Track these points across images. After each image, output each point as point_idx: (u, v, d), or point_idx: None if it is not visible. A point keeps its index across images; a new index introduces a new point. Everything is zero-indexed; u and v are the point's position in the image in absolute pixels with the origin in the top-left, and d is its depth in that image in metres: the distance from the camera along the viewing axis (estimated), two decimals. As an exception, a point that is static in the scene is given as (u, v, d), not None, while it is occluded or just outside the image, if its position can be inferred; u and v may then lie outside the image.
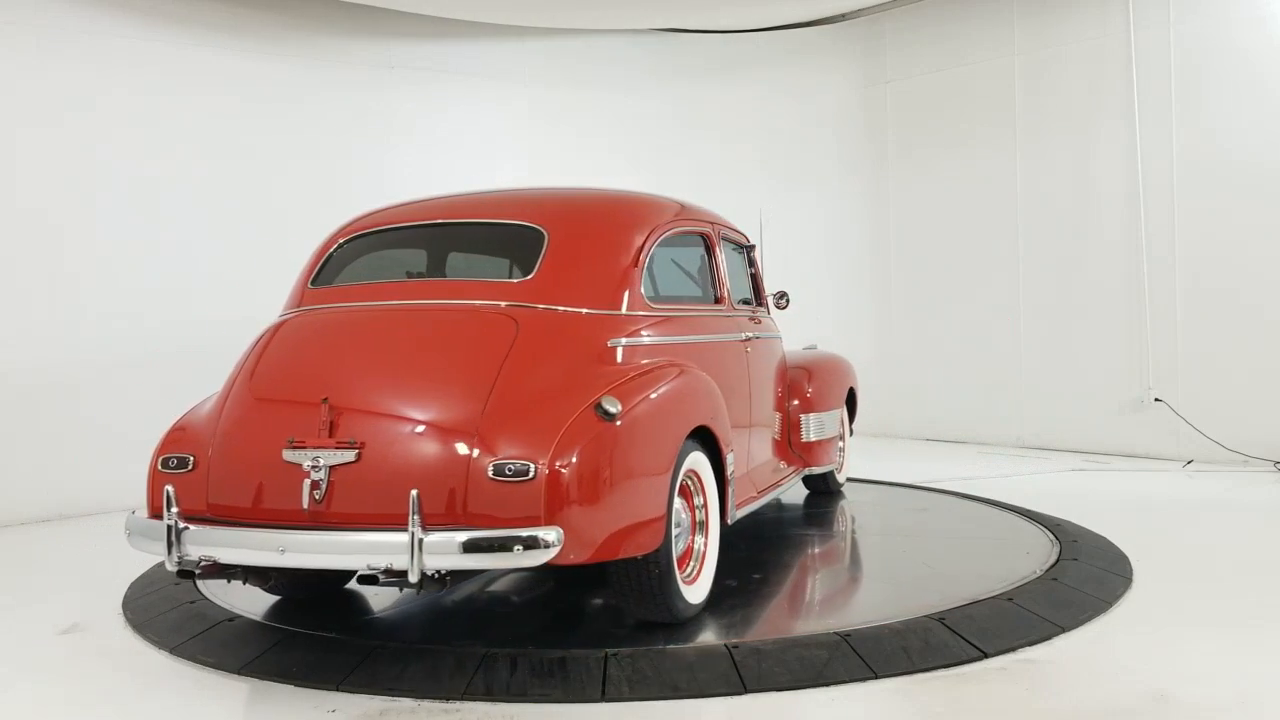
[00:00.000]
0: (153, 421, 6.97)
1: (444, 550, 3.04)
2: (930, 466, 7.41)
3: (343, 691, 3.26)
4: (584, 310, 3.71)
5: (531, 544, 3.06)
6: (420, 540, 3.02)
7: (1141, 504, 5.99)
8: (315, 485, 3.21)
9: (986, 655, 3.37)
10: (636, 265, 3.95)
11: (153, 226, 7.06)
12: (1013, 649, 3.43)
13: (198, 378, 7.16)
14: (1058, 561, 4.35)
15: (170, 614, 4.10)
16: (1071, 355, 8.05)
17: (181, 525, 3.26)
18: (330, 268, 4.19)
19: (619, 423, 3.32)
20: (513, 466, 3.15)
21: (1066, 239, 8.07)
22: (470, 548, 3.05)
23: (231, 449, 3.43)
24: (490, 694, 3.18)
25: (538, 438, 3.22)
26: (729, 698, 3.12)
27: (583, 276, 3.82)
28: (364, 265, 4.20)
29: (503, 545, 3.05)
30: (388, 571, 3.09)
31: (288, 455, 3.27)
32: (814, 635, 3.49)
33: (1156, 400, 7.50)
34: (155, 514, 3.38)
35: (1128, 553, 4.60)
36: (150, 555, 3.48)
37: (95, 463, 6.81)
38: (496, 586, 4.38)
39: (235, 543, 3.26)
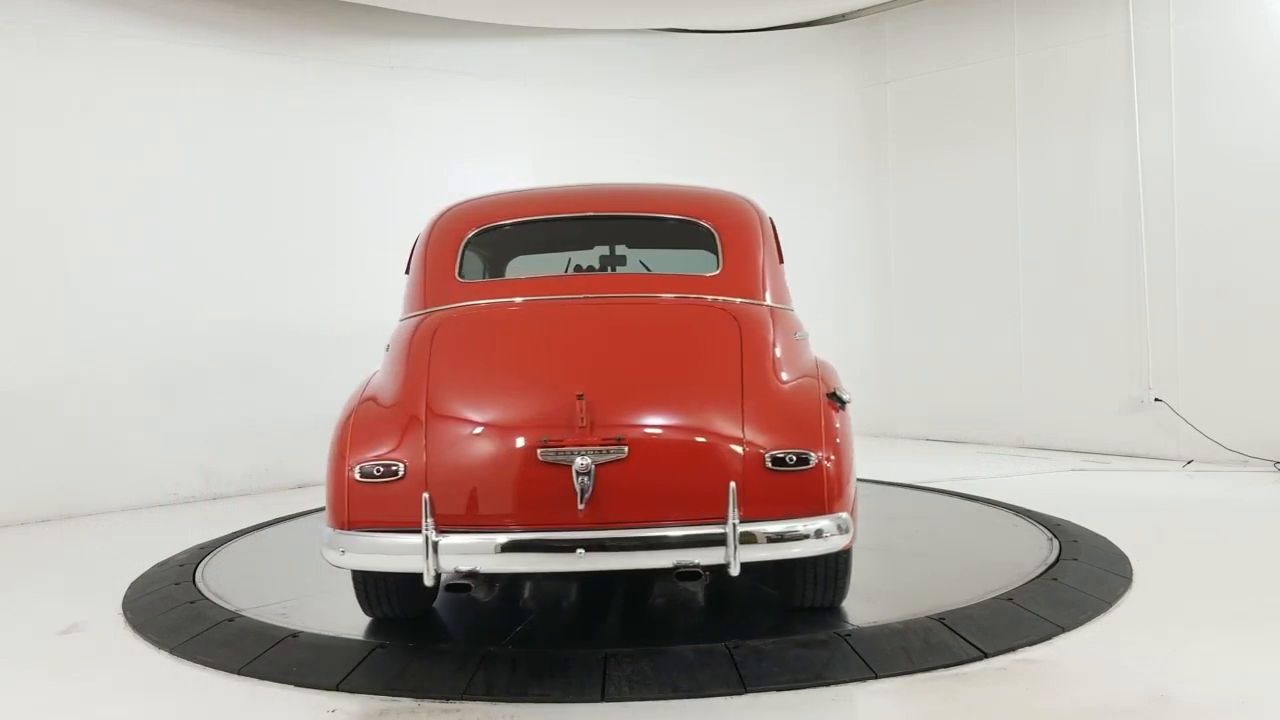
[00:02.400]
0: (153, 421, 7.03)
1: (757, 542, 3.07)
2: (930, 466, 7.40)
3: (343, 691, 3.26)
4: (766, 304, 3.79)
5: (832, 531, 3.15)
6: (740, 533, 3.01)
7: (1141, 504, 5.98)
8: (584, 486, 3.06)
9: (986, 655, 3.37)
10: (782, 260, 4.07)
11: (152, 226, 7.06)
12: (1013, 649, 3.43)
13: (198, 378, 7.20)
14: (1058, 561, 4.35)
15: (170, 614, 4.10)
16: (1071, 355, 8.04)
17: (436, 537, 3.05)
18: (470, 262, 3.98)
19: (848, 409, 3.41)
20: (794, 456, 3.15)
21: (1066, 239, 8.07)
22: (777, 539, 3.08)
23: (469, 454, 3.19)
24: (490, 694, 3.17)
25: (805, 428, 3.25)
26: (729, 698, 3.12)
27: (756, 271, 3.87)
28: (510, 259, 4.12)
29: (810, 535, 3.12)
30: (680, 568, 3.06)
31: (545, 456, 3.09)
32: (814, 635, 3.49)
33: (1156, 400, 7.50)
34: (355, 525, 3.15)
35: (1128, 553, 4.60)
36: (360, 568, 3.26)
37: (95, 463, 6.81)
38: (498, 585, 4.38)
39: (520, 550, 3.06)
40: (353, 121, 7.88)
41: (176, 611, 4.12)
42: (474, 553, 3.08)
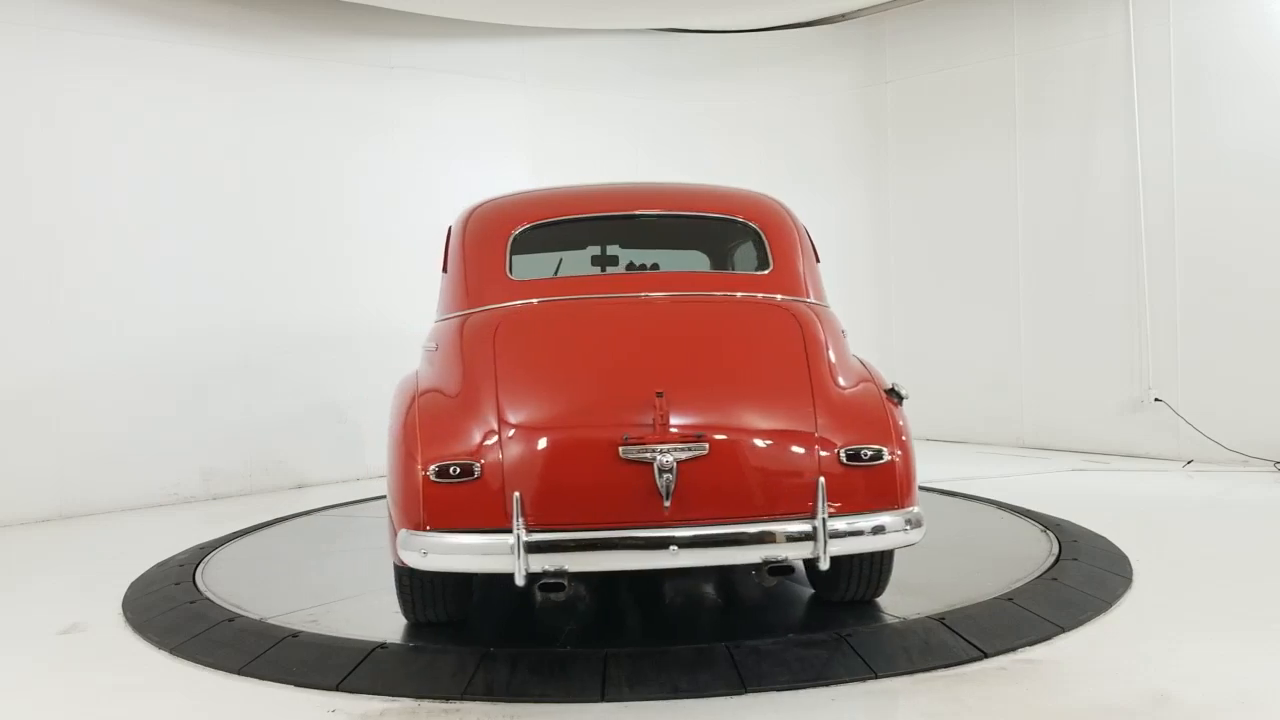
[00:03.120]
0: (153, 422, 7.03)
1: (844, 535, 3.14)
2: (930, 466, 7.38)
3: (343, 691, 3.26)
4: (812, 301, 3.84)
5: (915, 524, 3.23)
6: (830, 528, 3.07)
7: (1141, 504, 5.98)
8: (667, 483, 3.06)
9: (986, 655, 3.37)
10: (818, 259, 4.12)
11: (151, 227, 7.06)
12: (1013, 649, 3.43)
13: (198, 378, 7.20)
14: (1058, 561, 4.35)
15: (170, 614, 4.10)
16: (1071, 355, 8.04)
17: (529, 536, 3.01)
18: (518, 260, 3.93)
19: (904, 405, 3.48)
20: (868, 451, 3.21)
21: (1066, 239, 8.07)
22: (865, 532, 3.17)
23: (548, 453, 3.16)
24: (490, 694, 3.17)
25: (876, 424, 3.33)
26: (729, 698, 3.12)
27: (800, 270, 3.93)
28: (561, 255, 4.12)
29: (894, 529, 3.20)
30: (771, 563, 3.10)
31: (627, 454, 3.08)
32: (814, 635, 3.49)
33: (1156, 400, 7.50)
34: (430, 527, 3.09)
35: (1128, 553, 4.60)
36: (447, 569, 3.17)
37: (95, 463, 6.81)
38: (496, 586, 4.38)
39: (615, 547, 3.05)
40: (352, 121, 7.88)
41: (176, 611, 4.12)
42: (568, 551, 3.05)
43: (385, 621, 3.93)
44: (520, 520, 2.99)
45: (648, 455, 3.07)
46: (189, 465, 7.18)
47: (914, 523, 3.26)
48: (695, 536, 3.06)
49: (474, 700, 3.15)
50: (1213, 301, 7.26)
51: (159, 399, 7.08)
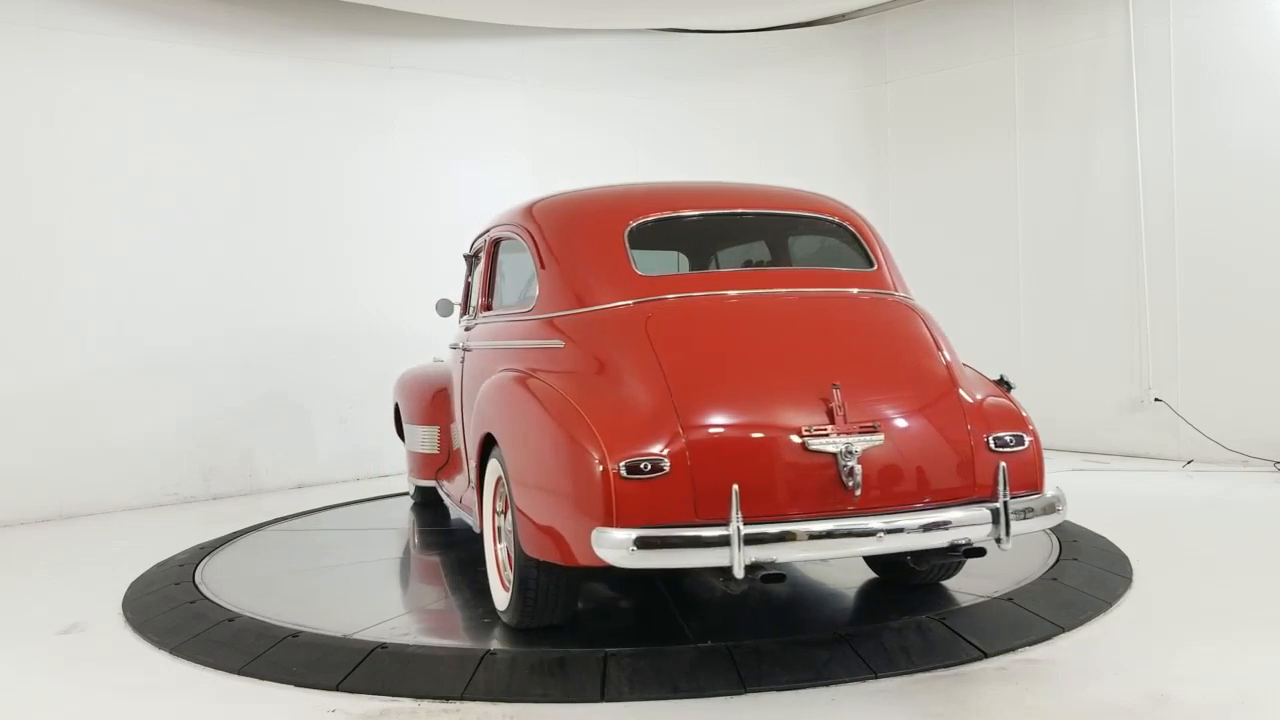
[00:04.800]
0: (153, 422, 7.02)
1: (1018, 517, 3.25)
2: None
3: (343, 691, 3.26)
4: (911, 298, 3.95)
5: (1063, 503, 3.40)
6: (1011, 510, 3.19)
7: (1141, 504, 5.98)
8: (850, 472, 3.12)
9: (986, 655, 3.37)
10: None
11: (151, 227, 7.06)
12: (1013, 649, 3.43)
13: (199, 378, 7.20)
14: (1058, 561, 4.35)
15: (170, 614, 4.10)
16: (1071, 355, 8.04)
17: (748, 530, 2.98)
18: (637, 255, 3.89)
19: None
20: (1012, 437, 3.35)
21: (1066, 239, 8.07)
22: (1037, 513, 3.31)
23: (734, 446, 3.17)
24: (490, 694, 3.18)
25: (1011, 411, 3.47)
26: (729, 698, 3.12)
27: (896, 267, 4.07)
28: (675, 252, 4.13)
29: (1055, 509, 3.37)
30: (962, 546, 3.21)
31: (814, 444, 3.15)
32: (814, 635, 3.49)
33: (1156, 400, 7.50)
34: (622, 523, 3.04)
35: (1128, 553, 4.60)
36: (640, 565, 3.06)
37: (95, 463, 6.81)
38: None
39: (830, 537, 3.08)
40: (352, 121, 7.88)
41: (176, 611, 4.12)
42: (781, 543, 3.05)
43: (386, 621, 3.94)
44: (739, 513, 2.97)
45: (834, 446, 3.14)
46: (189, 465, 7.18)
47: (1062, 502, 3.41)
48: (896, 524, 3.13)
49: (474, 700, 3.15)
50: (1213, 301, 7.26)
51: (159, 399, 7.08)
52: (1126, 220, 7.68)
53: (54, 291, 6.71)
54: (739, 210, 4.12)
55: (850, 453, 3.14)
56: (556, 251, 3.96)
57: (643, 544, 2.99)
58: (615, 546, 3.01)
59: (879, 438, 3.20)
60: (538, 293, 3.98)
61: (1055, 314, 8.16)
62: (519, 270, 4.48)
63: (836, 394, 3.20)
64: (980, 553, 3.28)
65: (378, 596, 4.48)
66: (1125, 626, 3.69)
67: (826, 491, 3.14)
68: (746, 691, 3.14)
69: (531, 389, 3.57)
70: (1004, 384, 3.66)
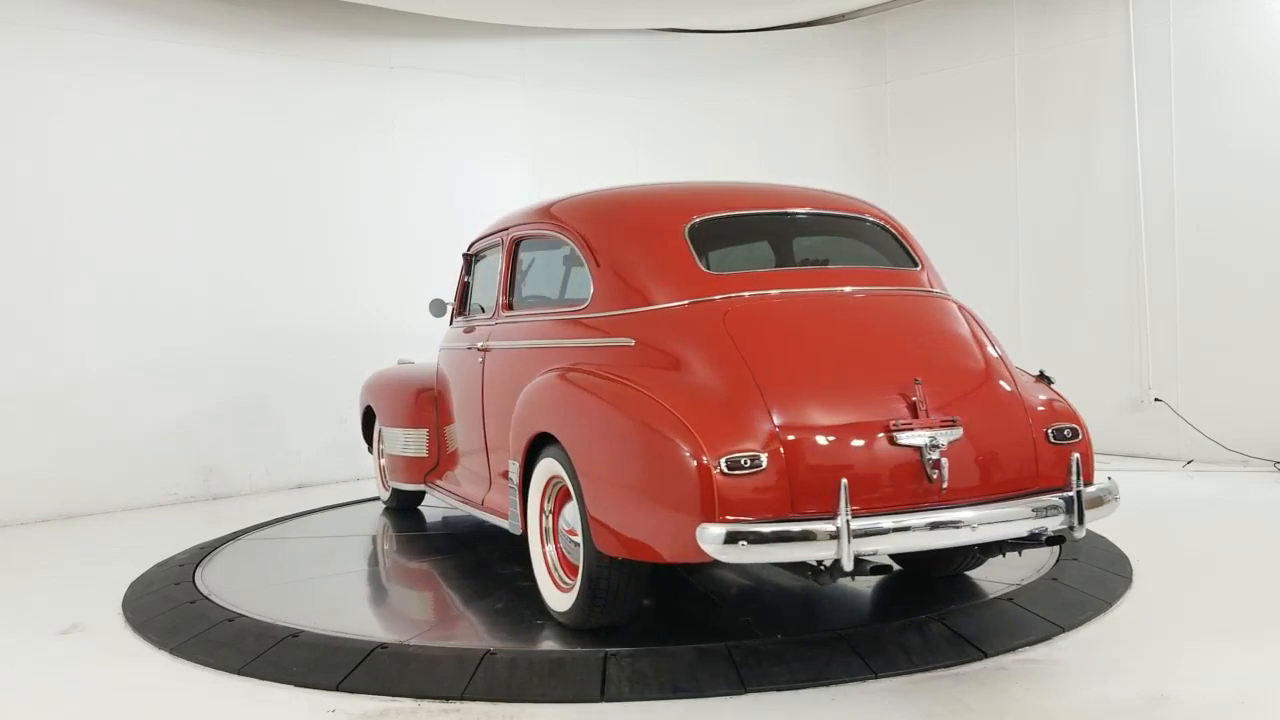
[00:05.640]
0: (153, 422, 7.02)
1: (1092, 506, 3.38)
2: (930, 466, 7.39)
3: (343, 691, 3.26)
4: (951, 295, 4.00)
5: (1117, 496, 3.55)
6: (1085, 499, 3.33)
7: (1141, 504, 5.97)
8: (936, 464, 3.19)
9: (986, 655, 3.37)
10: None
11: (151, 227, 7.07)
12: (1013, 649, 3.43)
13: (198, 378, 7.20)
14: (1058, 561, 4.35)
15: (170, 614, 4.10)
16: (1071, 355, 8.03)
17: (856, 523, 3.02)
18: (701, 253, 3.87)
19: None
20: (1068, 429, 3.47)
21: (1066, 239, 8.07)
22: (1105, 502, 3.46)
23: (826, 441, 3.21)
24: (490, 694, 3.18)
25: (1062, 404, 3.59)
26: (729, 698, 3.12)
27: (933, 266, 4.13)
28: (733, 250, 4.11)
29: (1115, 499, 3.51)
30: (1043, 535, 3.31)
31: (902, 438, 3.20)
32: (814, 635, 3.49)
33: (1156, 400, 7.50)
34: (723, 519, 3.03)
35: (1128, 553, 4.60)
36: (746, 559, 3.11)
37: (95, 463, 6.81)
38: (499, 586, 4.38)
39: (931, 528, 3.13)
40: (352, 121, 7.88)
41: (176, 611, 4.12)
42: (885, 535, 3.09)
43: (385, 621, 3.94)
44: (847, 506, 3.01)
45: (919, 439, 3.20)
46: (189, 465, 7.18)
47: (1115, 493, 3.55)
48: (988, 515, 3.20)
49: (474, 700, 3.15)
50: (1213, 301, 7.25)
51: (159, 399, 7.08)
52: (1126, 220, 7.67)
53: (54, 291, 6.71)
54: (791, 210, 4.17)
55: (935, 446, 3.20)
56: (614, 250, 3.94)
57: (755, 539, 3.01)
58: (724, 542, 3.01)
59: (959, 431, 3.26)
60: (592, 291, 3.93)
61: (1055, 314, 8.16)
62: (551, 269, 4.47)
63: (918, 388, 3.28)
64: (1061, 540, 3.36)
65: (377, 596, 4.48)
66: (1125, 626, 3.69)
67: (913, 484, 3.20)
68: (746, 691, 3.14)
69: (608, 387, 3.54)
70: (1045, 379, 3.76)
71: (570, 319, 4.07)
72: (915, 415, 3.24)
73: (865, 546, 3.04)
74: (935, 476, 3.19)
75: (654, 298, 3.71)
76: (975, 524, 3.16)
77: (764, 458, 3.11)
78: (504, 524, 4.26)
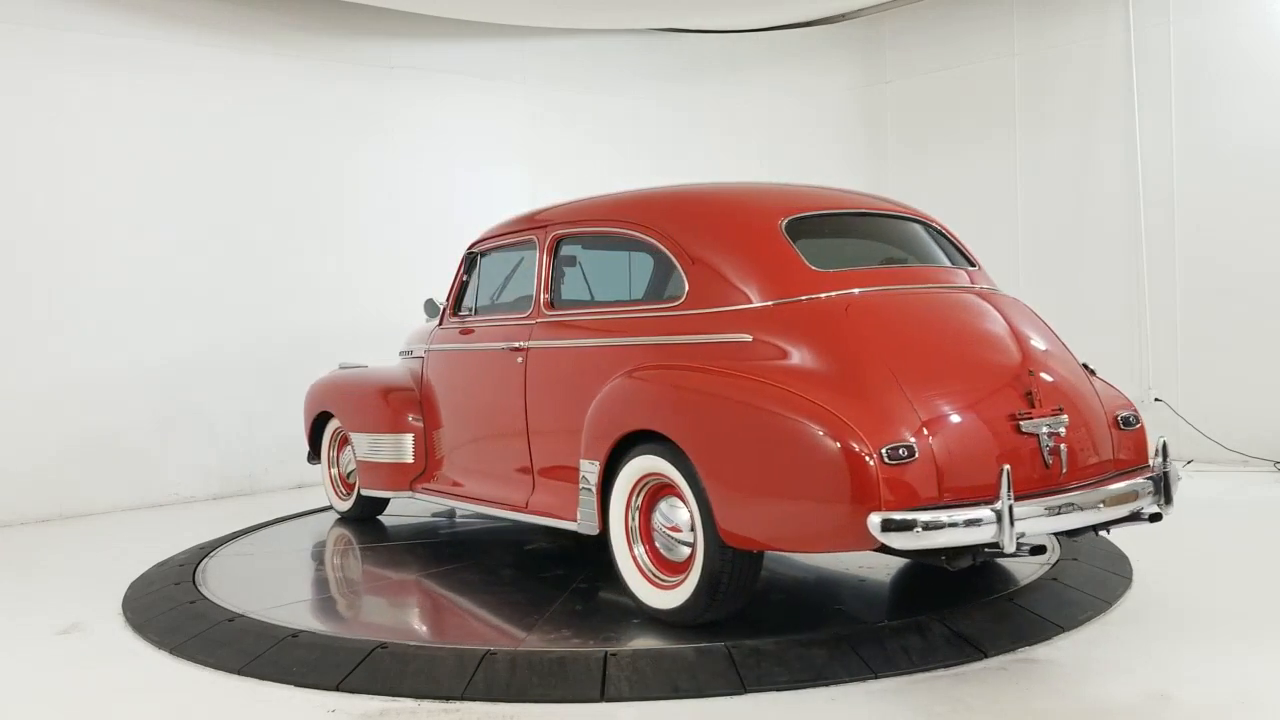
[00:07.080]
0: (153, 422, 7.02)
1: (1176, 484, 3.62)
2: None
3: (343, 691, 3.26)
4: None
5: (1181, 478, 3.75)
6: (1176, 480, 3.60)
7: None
8: (1054, 450, 3.39)
9: (986, 655, 3.37)
10: None
11: (150, 227, 7.07)
12: (1013, 649, 3.43)
13: (198, 378, 7.20)
14: (1058, 561, 4.35)
15: (170, 614, 4.10)
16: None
17: (1017, 508, 3.15)
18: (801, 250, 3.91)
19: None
20: (1132, 417, 3.78)
21: (1066, 239, 8.07)
22: (1178, 481, 3.68)
23: (963, 430, 3.36)
24: (490, 694, 3.18)
25: (1117, 394, 3.90)
26: (729, 698, 3.12)
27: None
28: (821, 247, 4.10)
29: (1177, 479, 3.67)
30: (1143, 514, 3.55)
31: (1027, 427, 3.38)
32: (814, 635, 3.49)
33: (1156, 400, 7.50)
34: (886, 508, 3.12)
35: (1128, 553, 4.60)
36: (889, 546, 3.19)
37: (95, 463, 6.81)
38: (497, 586, 4.38)
39: (1074, 511, 3.34)
40: (352, 121, 7.88)
41: (176, 611, 4.12)
42: (1034, 519, 3.25)
43: (385, 621, 3.94)
44: (1010, 492, 3.13)
45: (1039, 427, 3.39)
46: (189, 465, 7.18)
47: (1179, 475, 3.74)
48: (1107, 495, 3.43)
49: (474, 700, 3.15)
50: (1213, 301, 7.25)
51: (158, 399, 7.08)
52: (1126, 220, 7.67)
53: (54, 291, 6.71)
54: (865, 210, 4.35)
55: (1053, 433, 3.40)
56: (709, 247, 3.92)
57: (928, 527, 3.11)
58: (892, 530, 3.11)
59: (1065, 418, 3.46)
60: (687, 289, 3.88)
61: (1055, 314, 8.05)
62: (611, 267, 4.49)
63: (1032, 379, 3.50)
64: (1159, 518, 3.59)
65: (377, 596, 4.48)
66: (1125, 626, 3.69)
67: (1037, 470, 3.37)
68: (746, 691, 3.14)
69: (738, 384, 3.52)
70: (1089, 370, 3.95)
71: (661, 316, 3.96)
72: (1032, 405, 3.43)
73: (1020, 529, 3.20)
74: (1053, 461, 3.38)
75: (765, 294, 3.71)
76: (1101, 504, 3.38)
77: (916, 448, 3.24)
78: (561, 525, 4.16)
